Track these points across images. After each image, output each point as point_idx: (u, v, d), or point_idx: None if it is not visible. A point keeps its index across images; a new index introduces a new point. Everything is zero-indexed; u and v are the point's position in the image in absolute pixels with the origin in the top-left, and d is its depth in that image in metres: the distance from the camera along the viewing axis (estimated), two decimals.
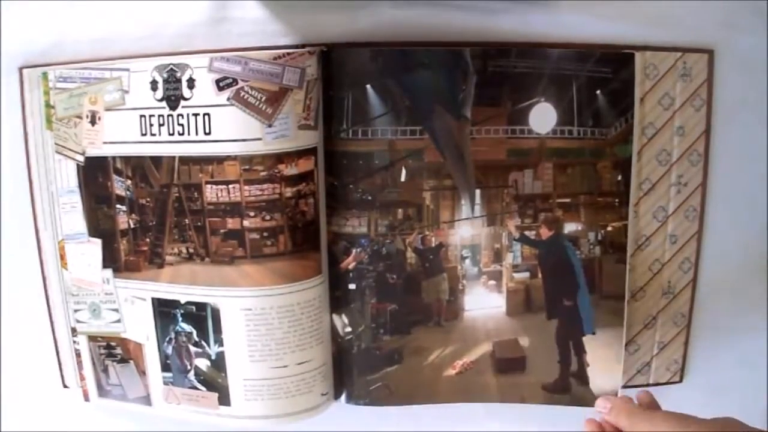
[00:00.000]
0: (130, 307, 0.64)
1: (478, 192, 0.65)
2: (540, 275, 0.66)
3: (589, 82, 0.62)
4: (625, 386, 0.68)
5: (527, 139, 0.63)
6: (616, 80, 0.62)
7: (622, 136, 0.63)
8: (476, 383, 0.66)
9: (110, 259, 0.64)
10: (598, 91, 0.62)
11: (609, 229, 0.65)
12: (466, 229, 0.65)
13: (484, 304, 0.66)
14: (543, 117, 0.63)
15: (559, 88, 0.62)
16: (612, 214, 0.64)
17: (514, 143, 0.63)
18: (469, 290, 0.66)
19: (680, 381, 0.70)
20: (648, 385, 0.69)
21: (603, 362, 0.65)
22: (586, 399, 0.65)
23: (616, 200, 0.64)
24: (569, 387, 0.65)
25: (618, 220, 0.64)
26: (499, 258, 0.66)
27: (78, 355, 0.68)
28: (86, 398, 0.69)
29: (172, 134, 0.60)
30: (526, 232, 0.65)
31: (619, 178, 0.64)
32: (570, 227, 0.65)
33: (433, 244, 0.65)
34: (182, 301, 0.63)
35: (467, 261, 0.66)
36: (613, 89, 0.62)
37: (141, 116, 0.60)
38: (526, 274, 0.66)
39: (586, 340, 0.65)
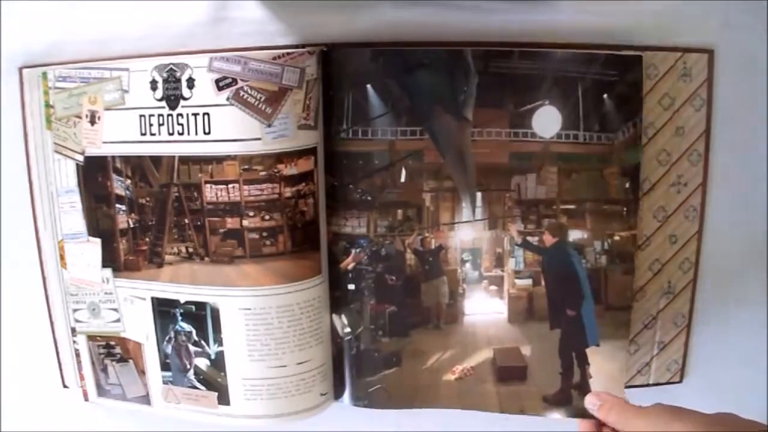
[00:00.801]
0: (130, 306, 0.64)
1: (479, 195, 0.64)
2: (543, 283, 0.65)
3: (594, 85, 0.61)
4: (625, 386, 0.68)
5: (531, 142, 0.62)
6: (622, 83, 0.61)
7: (629, 141, 0.62)
8: (476, 391, 0.65)
9: (110, 259, 0.64)
10: (604, 95, 0.61)
11: (616, 238, 0.63)
12: (466, 232, 0.65)
13: (484, 309, 0.66)
14: (547, 120, 0.62)
15: (564, 91, 0.61)
16: (619, 223, 0.63)
17: (516, 147, 0.62)
18: (469, 294, 0.66)
19: (680, 381, 0.70)
20: (648, 385, 0.69)
21: (606, 375, 0.64)
22: (588, 412, 0.64)
23: (624, 208, 0.63)
24: (570, 399, 0.64)
25: (626, 229, 0.63)
26: (501, 263, 0.65)
27: (77, 354, 0.68)
28: (86, 398, 0.69)
29: (172, 134, 0.60)
30: (529, 238, 0.64)
31: (627, 185, 0.63)
32: (575, 235, 0.64)
33: (433, 246, 0.65)
34: (182, 301, 0.63)
35: (468, 264, 0.65)
36: (619, 93, 0.61)
37: (140, 116, 0.60)
38: (529, 281, 0.65)
39: (590, 351, 0.64)
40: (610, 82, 0.61)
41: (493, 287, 0.66)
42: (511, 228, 0.64)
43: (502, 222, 0.64)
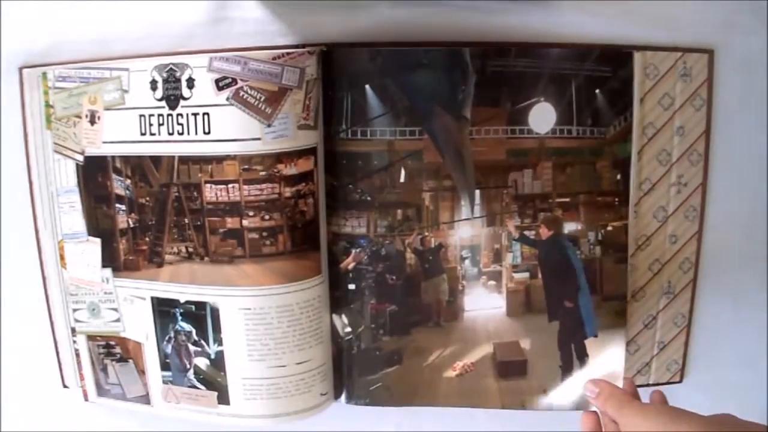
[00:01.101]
0: (130, 306, 0.64)
1: (477, 192, 0.64)
2: (540, 276, 0.65)
3: (587, 81, 0.62)
4: None
5: (527, 139, 0.63)
6: (615, 79, 0.62)
7: (621, 135, 0.63)
8: (477, 387, 0.66)
9: (109, 259, 0.64)
10: (597, 90, 0.62)
11: (609, 228, 0.64)
12: (465, 230, 0.65)
13: (484, 304, 0.66)
14: (542, 117, 0.62)
15: (559, 88, 0.62)
16: (612, 214, 0.64)
17: (513, 143, 0.63)
18: (468, 291, 0.66)
19: (680, 381, 0.70)
20: (648, 385, 0.69)
21: (606, 366, 0.64)
22: (588, 405, 0.64)
23: (616, 199, 0.64)
24: (571, 392, 0.64)
25: (618, 220, 0.64)
26: (499, 258, 0.66)
27: (77, 354, 0.68)
28: (86, 398, 0.69)
29: (172, 134, 0.60)
30: (526, 232, 0.65)
31: (619, 177, 0.64)
32: (570, 227, 0.64)
33: (433, 245, 0.65)
34: (181, 300, 0.63)
35: (467, 261, 0.66)
36: (611, 88, 0.62)
37: (140, 116, 0.60)
38: (526, 275, 0.66)
39: (589, 343, 0.65)
40: (603, 78, 0.62)
41: (492, 282, 0.66)
42: (509, 223, 0.65)
43: (500, 218, 0.65)
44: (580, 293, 0.64)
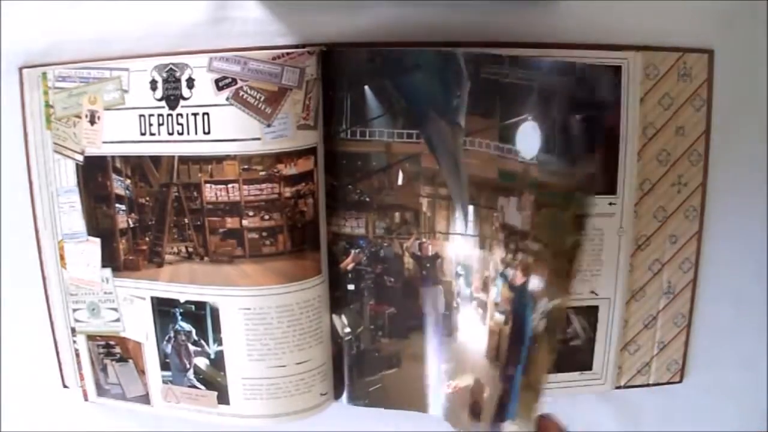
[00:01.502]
0: (129, 306, 0.64)
1: (471, 208, 0.60)
2: (509, 326, 0.56)
3: (570, 101, 0.51)
4: (625, 386, 0.68)
5: (514, 161, 0.55)
6: (593, 101, 0.51)
7: (585, 181, 0.50)
8: (458, 413, 0.63)
9: (109, 259, 0.64)
10: (574, 114, 0.51)
11: (552, 304, 0.52)
12: (460, 245, 0.62)
13: (473, 332, 0.62)
14: (528, 138, 0.54)
15: (544, 106, 0.53)
16: (559, 283, 0.51)
17: (503, 163, 0.56)
18: (462, 310, 0.63)
19: (680, 381, 0.70)
20: (648, 385, 0.69)
21: None
22: None
23: (568, 267, 0.50)
24: None
25: (563, 293, 0.51)
26: (487, 288, 0.60)
27: (77, 354, 0.68)
28: (86, 398, 0.69)
29: (172, 134, 0.60)
30: (509, 269, 0.56)
31: (577, 238, 0.50)
32: (534, 283, 0.53)
33: (430, 253, 0.64)
34: (181, 300, 0.63)
35: (461, 279, 0.63)
36: (589, 112, 0.51)
37: (140, 116, 0.60)
38: (502, 317, 0.57)
39: (504, 426, 0.55)
40: (582, 99, 0.51)
41: (480, 311, 0.61)
42: (496, 252, 0.58)
43: (489, 243, 0.59)
44: (519, 365, 0.54)
